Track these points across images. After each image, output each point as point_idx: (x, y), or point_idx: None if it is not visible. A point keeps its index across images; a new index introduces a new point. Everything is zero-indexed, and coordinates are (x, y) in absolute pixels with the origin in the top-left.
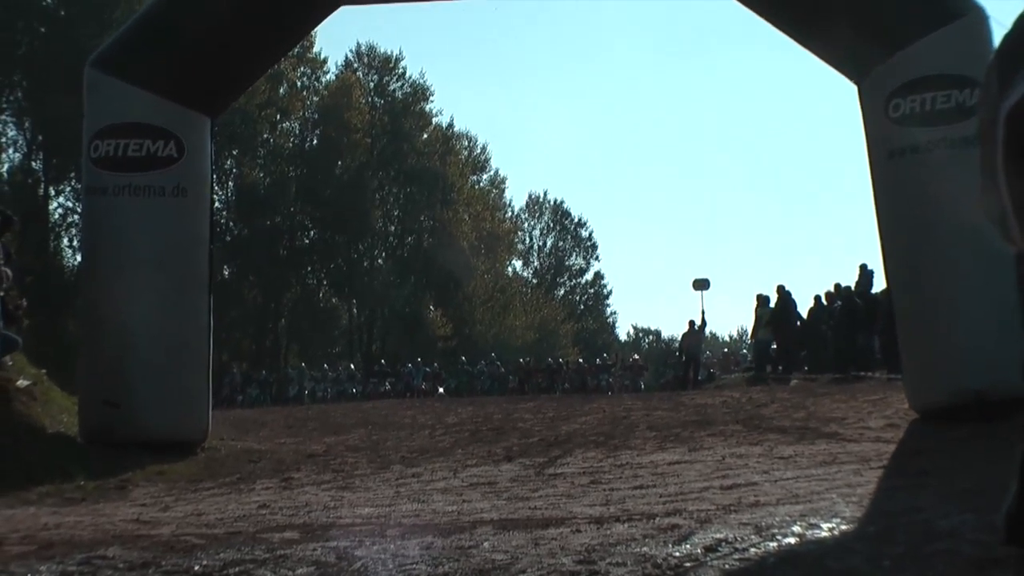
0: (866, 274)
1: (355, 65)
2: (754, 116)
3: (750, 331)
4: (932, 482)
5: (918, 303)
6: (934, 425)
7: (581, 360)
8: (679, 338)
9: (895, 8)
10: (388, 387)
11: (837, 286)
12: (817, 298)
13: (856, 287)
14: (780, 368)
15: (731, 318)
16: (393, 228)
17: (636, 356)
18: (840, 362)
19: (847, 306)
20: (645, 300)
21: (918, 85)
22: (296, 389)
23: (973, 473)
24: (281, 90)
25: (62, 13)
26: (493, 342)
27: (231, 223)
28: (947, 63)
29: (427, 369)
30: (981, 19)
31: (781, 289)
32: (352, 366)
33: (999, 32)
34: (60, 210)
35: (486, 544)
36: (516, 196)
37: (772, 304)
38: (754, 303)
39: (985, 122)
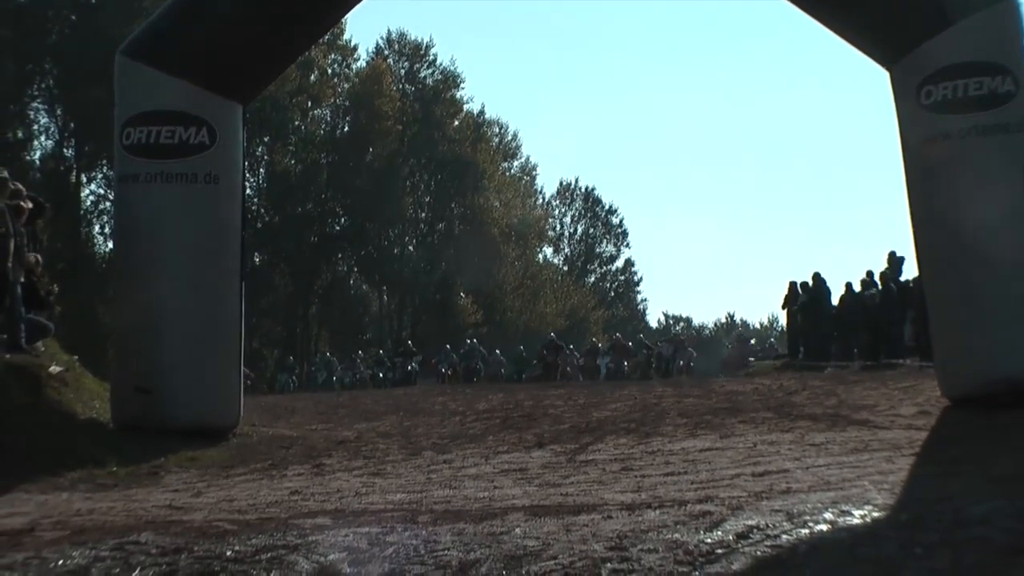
0: (895, 261)
1: (386, 52)
2: (786, 103)
3: (784, 318)
4: (964, 469)
5: (950, 290)
6: (966, 412)
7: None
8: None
9: None
10: (415, 367)
11: (869, 273)
12: (848, 285)
13: (888, 273)
14: (814, 355)
15: (762, 305)
16: (424, 215)
17: (618, 335)
18: (876, 349)
19: (887, 293)
20: (676, 287)
21: (950, 72)
22: (324, 376)
23: (1006, 460)
24: (312, 77)
25: (93, 1)
26: (524, 329)
27: (262, 210)
28: (979, 50)
29: (454, 355)
30: (1013, 6)
31: (817, 276)
32: (380, 351)
33: None
34: (92, 197)
35: (518, 530)
36: (547, 183)
37: (804, 292)
38: (785, 289)
39: None
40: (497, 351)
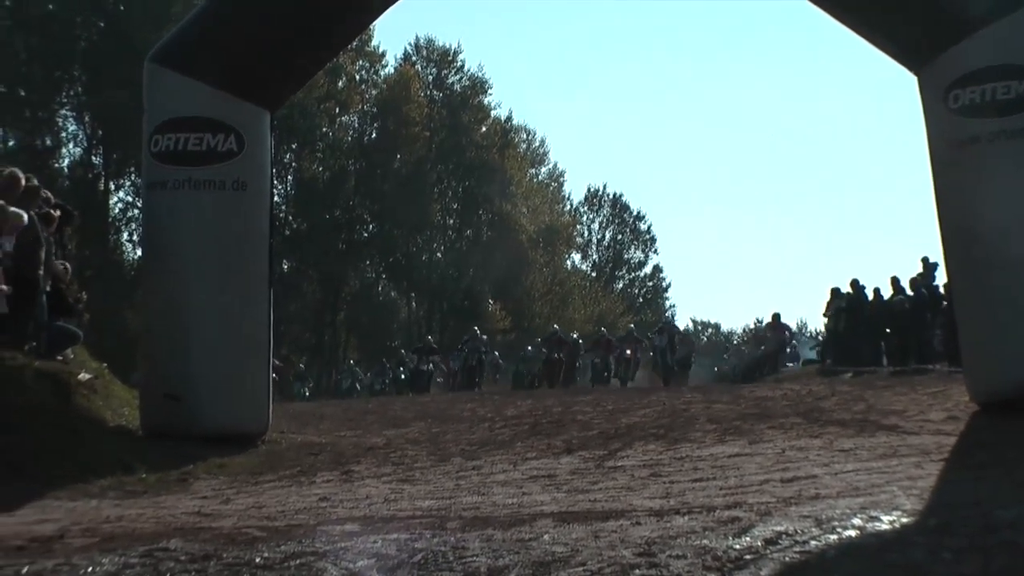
0: (929, 267)
1: (413, 58)
2: (815, 109)
3: (823, 325)
4: (993, 474)
5: (978, 294)
6: (995, 417)
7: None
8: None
9: None
10: (431, 367)
11: (895, 279)
12: (876, 291)
13: (920, 279)
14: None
15: (791, 311)
16: (451, 221)
17: (603, 329)
18: (906, 354)
19: (918, 298)
20: (705, 293)
21: (978, 76)
22: (349, 382)
23: None
24: (340, 83)
25: (121, 8)
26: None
27: (290, 217)
28: (1006, 54)
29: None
30: None
31: (855, 284)
32: (403, 351)
33: None
34: (120, 205)
35: (546, 536)
36: (575, 189)
37: (840, 298)
38: (827, 296)
39: None
40: (496, 352)
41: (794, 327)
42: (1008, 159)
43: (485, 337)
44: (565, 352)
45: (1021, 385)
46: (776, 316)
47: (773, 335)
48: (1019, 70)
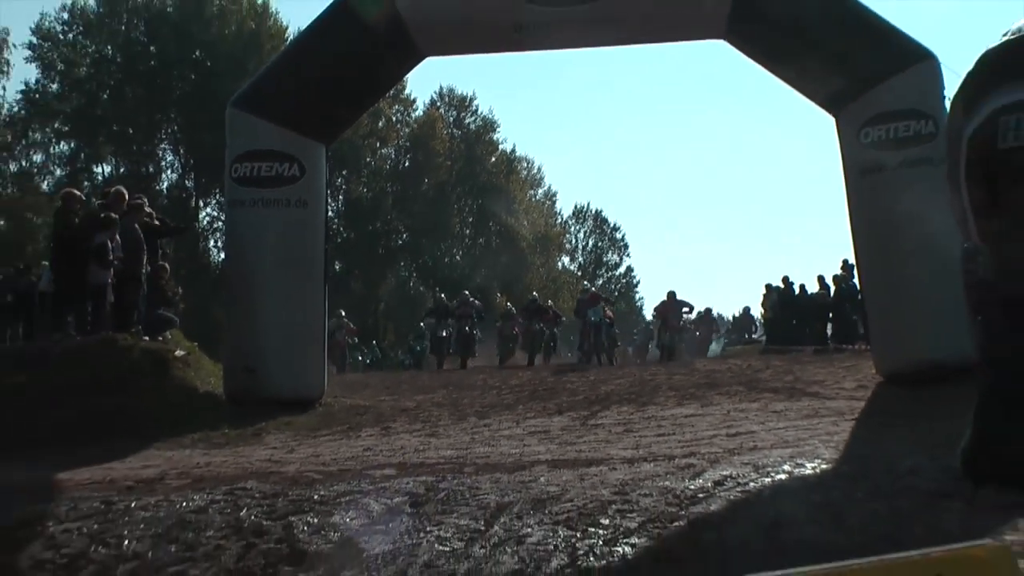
0: (848, 267)
1: (438, 104)
2: (754, 142)
3: (760, 313)
4: (895, 432)
5: (884, 290)
6: (896, 387)
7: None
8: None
9: (865, 57)
10: (447, 332)
11: (820, 277)
12: (802, 287)
13: (841, 277)
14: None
15: (736, 301)
16: (468, 232)
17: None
18: (826, 337)
19: (839, 292)
20: (666, 287)
21: (884, 117)
22: (371, 360)
23: (928, 425)
24: (380, 123)
25: (208, 64)
26: None
27: (341, 228)
28: (907, 100)
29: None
30: (934, 65)
31: (786, 279)
32: (422, 324)
33: (948, 75)
34: (207, 218)
35: (542, 479)
36: (565, 206)
37: (773, 292)
38: (762, 290)
39: (952, 140)
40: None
41: (739, 314)
42: (907, 184)
43: (478, 303)
44: (546, 321)
45: (916, 361)
46: (671, 294)
47: (672, 312)
48: (916, 113)
